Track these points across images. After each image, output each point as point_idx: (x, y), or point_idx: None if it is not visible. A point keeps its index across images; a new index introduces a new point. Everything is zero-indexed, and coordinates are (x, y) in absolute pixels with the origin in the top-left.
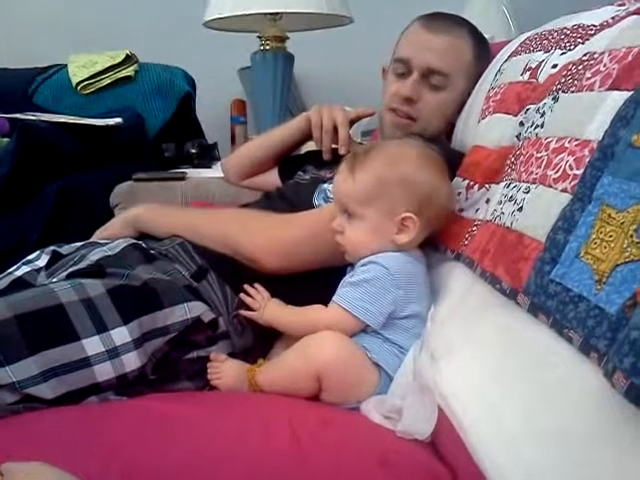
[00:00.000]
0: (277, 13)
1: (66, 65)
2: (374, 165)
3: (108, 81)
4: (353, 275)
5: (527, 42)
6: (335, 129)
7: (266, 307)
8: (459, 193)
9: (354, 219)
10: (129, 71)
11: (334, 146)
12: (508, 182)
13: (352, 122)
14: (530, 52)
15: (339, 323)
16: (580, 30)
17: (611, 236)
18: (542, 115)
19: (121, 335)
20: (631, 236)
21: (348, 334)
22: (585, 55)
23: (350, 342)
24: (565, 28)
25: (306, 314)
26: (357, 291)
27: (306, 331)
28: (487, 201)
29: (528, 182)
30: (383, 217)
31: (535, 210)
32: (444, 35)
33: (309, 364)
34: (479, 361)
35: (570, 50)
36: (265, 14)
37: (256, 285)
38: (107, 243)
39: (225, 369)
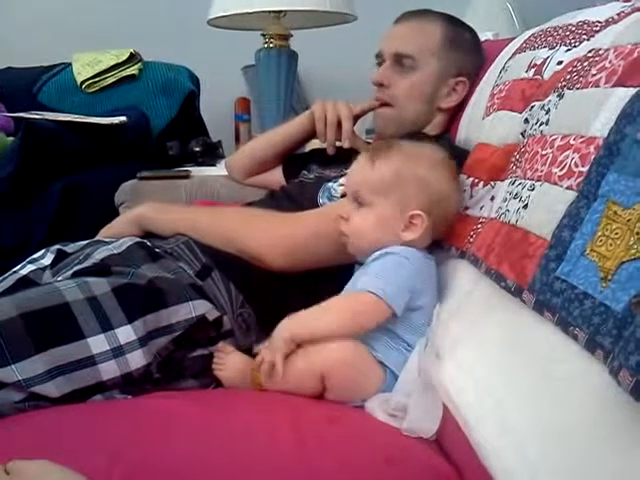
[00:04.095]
0: (281, 11)
1: (70, 64)
2: (395, 158)
3: (112, 80)
4: (371, 266)
5: (532, 39)
6: (339, 123)
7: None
8: (464, 191)
9: (363, 207)
10: (133, 69)
11: (338, 143)
12: (513, 179)
13: (357, 117)
14: (535, 49)
15: (367, 308)
16: (585, 26)
17: (617, 233)
18: (547, 112)
19: (126, 334)
20: (637, 233)
21: (374, 323)
22: (590, 52)
23: (354, 342)
24: (570, 24)
25: (332, 301)
26: (381, 280)
27: (336, 318)
28: (492, 199)
29: (533, 179)
30: (393, 210)
31: (540, 207)
32: (409, 21)
33: (313, 364)
34: (484, 359)
35: (575, 47)
36: (269, 12)
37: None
38: (112, 242)
39: (229, 362)
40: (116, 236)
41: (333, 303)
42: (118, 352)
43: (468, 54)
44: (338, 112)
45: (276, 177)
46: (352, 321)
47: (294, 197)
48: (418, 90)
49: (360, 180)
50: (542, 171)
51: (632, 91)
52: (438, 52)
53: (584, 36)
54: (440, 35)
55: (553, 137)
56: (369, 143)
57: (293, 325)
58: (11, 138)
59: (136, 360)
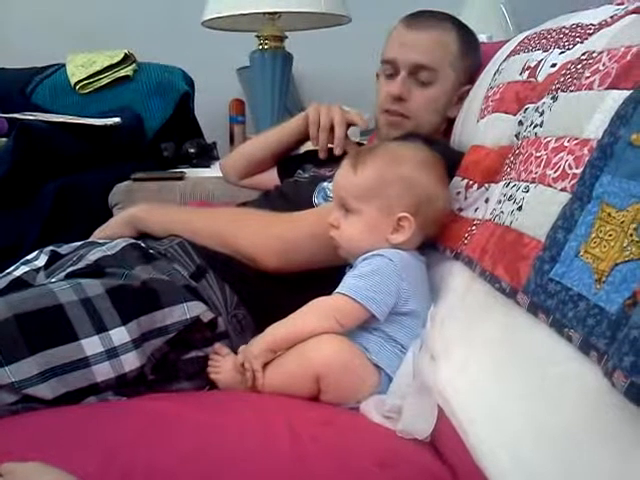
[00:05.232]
0: (275, 12)
1: (64, 65)
2: (377, 163)
3: (106, 81)
4: (356, 269)
5: (526, 41)
6: (332, 128)
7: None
8: (458, 193)
9: (351, 214)
10: (127, 71)
11: (330, 145)
12: (507, 181)
13: (350, 124)
14: (529, 51)
15: (344, 310)
16: (579, 29)
17: (611, 235)
18: (541, 114)
19: (120, 335)
20: (631, 235)
21: (353, 323)
22: (584, 54)
23: (348, 343)
24: (564, 27)
25: (308, 305)
26: (362, 281)
27: (315, 318)
28: (486, 200)
29: (527, 181)
30: (380, 214)
31: (534, 209)
32: (426, 30)
33: (307, 366)
34: (478, 360)
35: (569, 49)
36: (263, 13)
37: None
38: (106, 243)
39: (225, 364)
40: (110, 237)
41: (310, 307)
42: (112, 354)
43: (476, 60)
44: (332, 117)
45: (271, 178)
46: (333, 321)
47: (289, 197)
48: (435, 104)
49: (344, 187)
50: (536, 173)
51: (626, 93)
52: (454, 63)
53: (578, 39)
54: (455, 45)
55: (547, 139)
56: (362, 144)
57: (271, 332)
58: (4, 139)
59: (130, 362)
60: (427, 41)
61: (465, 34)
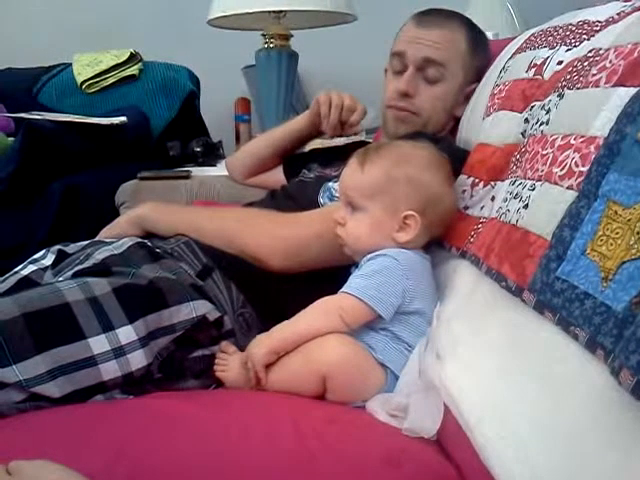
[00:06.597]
0: (281, 11)
1: (71, 64)
2: (384, 161)
3: (112, 80)
4: (361, 269)
5: (532, 39)
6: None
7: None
8: (464, 191)
9: (357, 212)
10: (133, 70)
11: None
12: (513, 179)
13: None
14: (535, 49)
15: (350, 309)
16: (585, 26)
17: (617, 233)
18: (547, 112)
19: (127, 334)
20: (637, 233)
21: (358, 323)
22: (590, 51)
23: (355, 343)
24: (570, 24)
25: (313, 305)
26: (367, 281)
27: (320, 318)
28: (492, 199)
29: (533, 179)
30: (386, 213)
31: (541, 207)
32: (437, 28)
33: (313, 365)
34: (484, 359)
35: (575, 46)
36: (269, 12)
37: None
38: (113, 242)
39: (231, 363)
40: (117, 236)
41: (315, 307)
42: (119, 352)
43: (484, 59)
44: (342, 99)
45: (276, 177)
46: (339, 320)
47: (294, 197)
48: (442, 102)
49: (351, 185)
50: (542, 171)
51: (633, 91)
52: (463, 61)
53: (584, 36)
54: (464, 43)
55: (553, 137)
56: (368, 142)
57: (277, 333)
58: (12, 138)
59: (137, 360)
60: (437, 37)
61: (475, 33)
